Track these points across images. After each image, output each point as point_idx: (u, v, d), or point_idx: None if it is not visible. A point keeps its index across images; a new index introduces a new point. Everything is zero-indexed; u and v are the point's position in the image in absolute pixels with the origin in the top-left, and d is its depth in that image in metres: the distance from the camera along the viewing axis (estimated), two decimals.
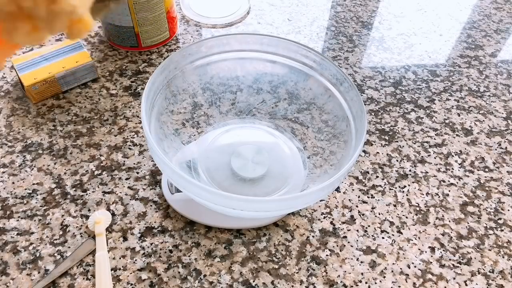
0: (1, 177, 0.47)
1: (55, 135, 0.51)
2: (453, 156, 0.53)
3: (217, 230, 0.44)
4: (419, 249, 0.44)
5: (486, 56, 0.66)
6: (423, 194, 0.48)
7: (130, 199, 0.46)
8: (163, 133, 0.44)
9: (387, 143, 0.53)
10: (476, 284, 0.42)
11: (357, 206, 0.47)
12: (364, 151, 0.52)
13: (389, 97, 0.59)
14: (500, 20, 0.73)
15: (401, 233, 0.45)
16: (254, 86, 0.51)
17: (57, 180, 0.47)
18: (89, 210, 0.45)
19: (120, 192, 0.46)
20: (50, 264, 0.41)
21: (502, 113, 0.58)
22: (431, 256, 0.43)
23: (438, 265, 0.43)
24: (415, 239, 0.45)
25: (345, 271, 0.42)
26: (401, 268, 0.42)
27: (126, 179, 0.48)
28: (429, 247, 0.44)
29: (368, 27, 0.70)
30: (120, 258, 0.42)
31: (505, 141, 0.55)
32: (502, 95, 0.61)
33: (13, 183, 0.47)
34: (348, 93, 0.43)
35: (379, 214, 0.46)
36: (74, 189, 0.46)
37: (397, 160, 0.52)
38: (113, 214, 0.45)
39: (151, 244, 0.43)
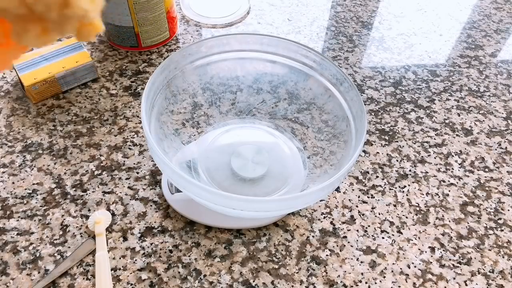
0: (1, 177, 0.47)
1: (55, 135, 0.51)
2: (453, 156, 0.53)
3: (217, 230, 0.44)
4: (419, 249, 0.44)
5: (486, 56, 0.66)
6: (423, 194, 0.48)
7: (130, 199, 0.46)
8: (163, 133, 0.44)
9: (387, 143, 0.53)
10: (476, 284, 0.42)
11: (357, 206, 0.47)
12: (364, 151, 0.52)
13: (389, 97, 0.59)
14: (500, 20, 0.73)
15: (401, 233, 0.45)
16: (254, 86, 0.51)
17: (57, 180, 0.47)
18: (89, 210, 0.45)
19: (120, 192, 0.46)
20: (50, 264, 0.41)
21: (502, 113, 0.58)
22: (431, 256, 0.43)
23: (438, 265, 0.43)
24: (415, 239, 0.45)
25: (345, 271, 0.42)
26: (401, 268, 0.42)
27: (126, 179, 0.48)
28: (429, 247, 0.44)
29: (368, 27, 0.70)
30: (120, 258, 0.42)
31: (505, 141, 0.55)
32: (502, 95, 0.61)
33: (13, 183, 0.47)
34: (348, 93, 0.43)
35: (379, 214, 0.46)
36: (74, 189, 0.46)
37: (397, 160, 0.52)
38: (113, 214, 0.45)
39: (151, 244, 0.43)
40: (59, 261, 0.41)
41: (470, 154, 0.53)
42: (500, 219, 0.47)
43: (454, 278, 0.42)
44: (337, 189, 0.48)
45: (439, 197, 0.48)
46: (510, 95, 0.61)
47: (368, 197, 0.48)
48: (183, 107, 0.49)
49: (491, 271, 0.43)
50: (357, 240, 0.44)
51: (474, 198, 0.49)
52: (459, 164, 0.52)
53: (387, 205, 0.47)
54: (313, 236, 0.44)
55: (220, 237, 0.44)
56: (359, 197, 0.48)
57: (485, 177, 0.51)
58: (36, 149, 0.50)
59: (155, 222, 0.44)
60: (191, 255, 0.42)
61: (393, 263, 0.43)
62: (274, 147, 0.49)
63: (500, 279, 0.42)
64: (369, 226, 0.45)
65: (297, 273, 0.42)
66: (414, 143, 0.54)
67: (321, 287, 0.41)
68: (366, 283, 0.41)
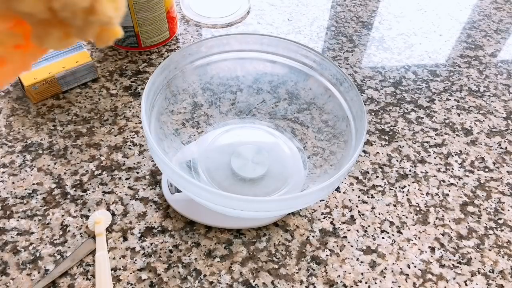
0: (1, 177, 0.47)
1: (55, 135, 0.51)
2: (453, 156, 0.53)
3: (217, 230, 0.44)
4: (419, 249, 0.44)
5: (486, 56, 0.66)
6: (423, 194, 0.48)
7: (130, 199, 0.46)
8: (163, 133, 0.44)
9: (387, 143, 0.53)
10: (476, 284, 0.42)
11: (357, 206, 0.47)
12: (364, 151, 0.52)
13: (389, 97, 0.59)
14: (500, 20, 0.73)
15: (401, 233, 0.45)
16: (254, 86, 0.51)
17: (57, 180, 0.47)
18: (89, 210, 0.45)
19: (120, 192, 0.46)
20: (50, 264, 0.41)
21: (502, 113, 0.58)
22: (431, 256, 0.43)
23: (438, 265, 0.43)
24: (415, 239, 0.45)
25: (345, 271, 0.42)
26: (401, 268, 0.42)
27: (126, 179, 0.48)
28: (429, 247, 0.44)
29: (368, 27, 0.70)
30: (120, 258, 0.42)
31: (505, 141, 0.55)
32: (502, 95, 0.61)
33: (13, 183, 0.47)
34: (348, 93, 0.43)
35: (379, 214, 0.46)
36: (74, 189, 0.46)
37: (397, 160, 0.52)
38: (113, 214, 0.45)
39: (151, 244, 0.43)
40: (59, 261, 0.41)
41: (470, 154, 0.53)
42: (500, 219, 0.47)
43: (454, 278, 0.42)
44: (337, 189, 0.48)
45: (439, 197, 0.48)
46: (510, 95, 0.61)
47: (368, 197, 0.48)
48: (183, 107, 0.49)
49: (491, 271, 0.43)
50: (357, 240, 0.44)
51: (474, 198, 0.49)
52: (459, 164, 0.52)
53: (387, 205, 0.47)
54: (313, 236, 0.44)
55: (220, 237, 0.44)
56: (359, 197, 0.48)
57: (485, 177, 0.51)
58: (36, 149, 0.50)
59: (155, 222, 0.44)
60: (191, 255, 0.42)
61: (393, 263, 0.43)
62: (274, 147, 0.49)
63: (500, 279, 0.42)
64: (369, 226, 0.45)
65: (297, 273, 0.42)
66: (414, 143, 0.54)
67: (321, 287, 0.41)
68: (366, 283, 0.41)
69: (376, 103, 0.58)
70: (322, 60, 0.45)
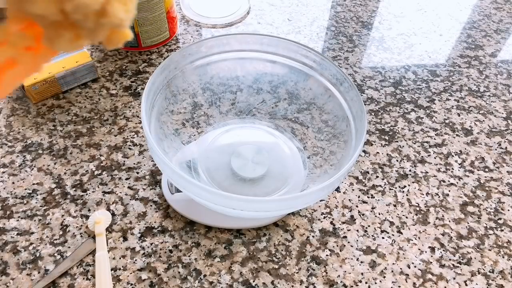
0: (1, 177, 0.47)
1: (55, 135, 0.51)
2: (453, 156, 0.53)
3: (217, 230, 0.44)
4: (419, 249, 0.44)
5: (486, 56, 0.66)
6: (423, 194, 0.48)
7: (130, 199, 0.46)
8: (163, 133, 0.44)
9: (387, 143, 0.53)
10: (476, 284, 0.42)
11: (357, 206, 0.47)
12: (364, 151, 0.52)
13: (389, 97, 0.59)
14: (500, 20, 0.73)
15: (401, 233, 0.45)
16: (254, 86, 0.51)
17: (57, 180, 0.47)
18: (89, 210, 0.45)
19: (120, 192, 0.46)
20: (50, 264, 0.41)
21: (502, 113, 0.58)
22: (431, 256, 0.43)
23: (438, 265, 0.43)
24: (415, 239, 0.45)
25: (345, 271, 0.42)
26: (401, 268, 0.42)
27: (126, 179, 0.48)
28: (429, 247, 0.44)
29: (368, 27, 0.70)
30: (120, 258, 0.42)
31: (505, 141, 0.55)
32: (502, 95, 0.61)
33: (13, 183, 0.47)
34: (348, 93, 0.43)
35: (379, 214, 0.46)
36: (74, 189, 0.46)
37: (397, 160, 0.52)
38: (113, 214, 0.45)
39: (151, 244, 0.43)
40: (59, 261, 0.41)
41: (470, 154, 0.53)
42: (500, 219, 0.47)
43: (454, 278, 0.42)
44: (337, 189, 0.48)
45: (439, 197, 0.48)
46: (510, 95, 0.61)
47: (368, 197, 0.48)
48: (183, 107, 0.49)
49: (491, 271, 0.43)
50: (357, 240, 0.44)
51: (474, 198, 0.49)
52: (459, 164, 0.52)
53: (387, 205, 0.47)
54: (313, 236, 0.44)
55: (220, 237, 0.44)
56: (359, 197, 0.48)
57: (485, 177, 0.51)
58: (36, 149, 0.50)
59: (155, 222, 0.44)
60: (191, 255, 0.42)
61: (393, 263, 0.43)
62: (274, 147, 0.49)
63: (500, 279, 0.42)
64: (369, 226, 0.45)
65: (297, 273, 0.42)
66: (414, 143, 0.54)
67: (321, 287, 0.41)
68: (366, 283, 0.41)
69: (376, 103, 0.58)
70: (322, 60, 0.45)
